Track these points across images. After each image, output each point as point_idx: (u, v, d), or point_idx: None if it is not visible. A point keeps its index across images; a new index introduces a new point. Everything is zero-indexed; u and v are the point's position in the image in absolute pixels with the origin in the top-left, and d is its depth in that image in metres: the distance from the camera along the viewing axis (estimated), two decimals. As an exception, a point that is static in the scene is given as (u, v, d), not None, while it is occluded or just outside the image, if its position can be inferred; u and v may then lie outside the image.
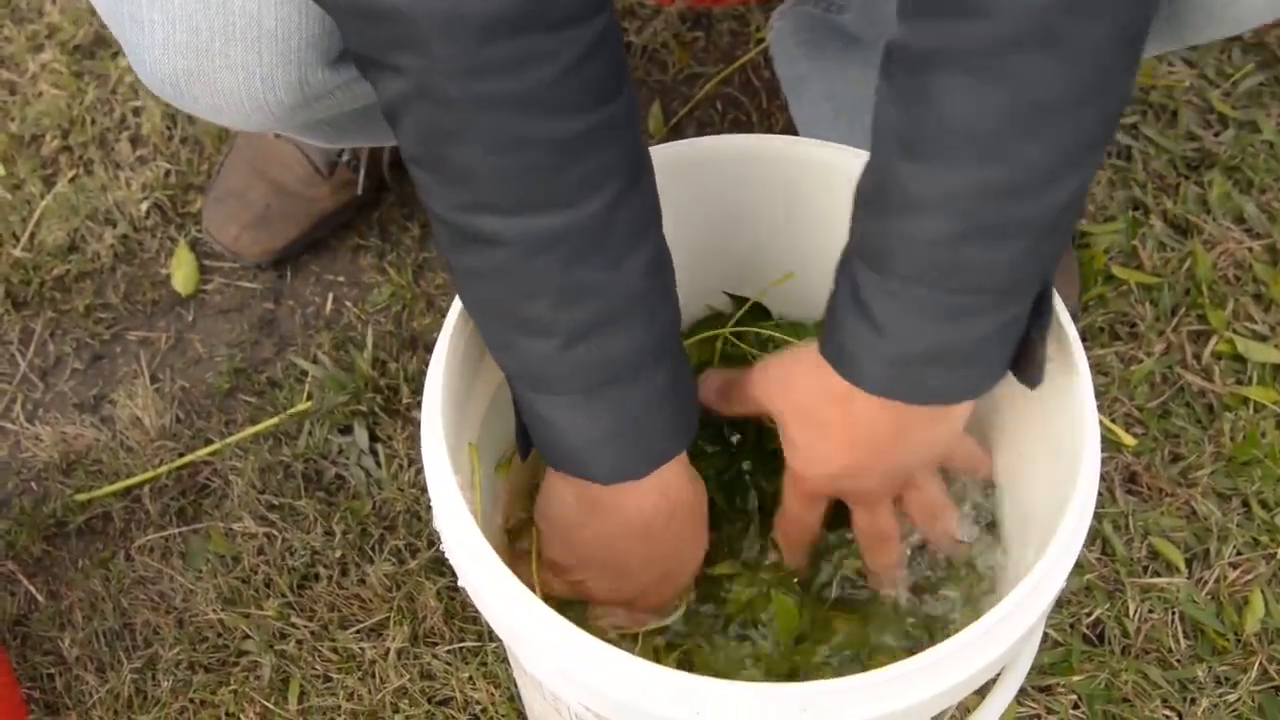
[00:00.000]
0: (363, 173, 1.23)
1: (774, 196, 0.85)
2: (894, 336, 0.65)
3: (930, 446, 0.73)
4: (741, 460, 0.88)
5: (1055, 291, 0.69)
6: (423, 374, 1.15)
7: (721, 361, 0.91)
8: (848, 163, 0.80)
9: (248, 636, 1.04)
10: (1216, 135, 1.28)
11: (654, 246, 0.69)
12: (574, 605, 0.82)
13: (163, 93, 0.77)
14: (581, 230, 0.65)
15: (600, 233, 0.65)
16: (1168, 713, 0.98)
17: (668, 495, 0.74)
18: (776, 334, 0.90)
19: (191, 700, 1.02)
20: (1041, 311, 0.67)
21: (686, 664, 0.82)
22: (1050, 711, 0.98)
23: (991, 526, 0.84)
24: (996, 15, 0.56)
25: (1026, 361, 0.68)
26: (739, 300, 0.93)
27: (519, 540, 0.85)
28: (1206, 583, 1.03)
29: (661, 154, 0.82)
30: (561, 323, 0.66)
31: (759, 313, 0.93)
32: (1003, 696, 0.74)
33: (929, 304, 0.63)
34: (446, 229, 0.67)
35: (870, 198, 0.65)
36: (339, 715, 1.00)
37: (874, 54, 1.19)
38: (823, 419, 0.72)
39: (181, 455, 1.14)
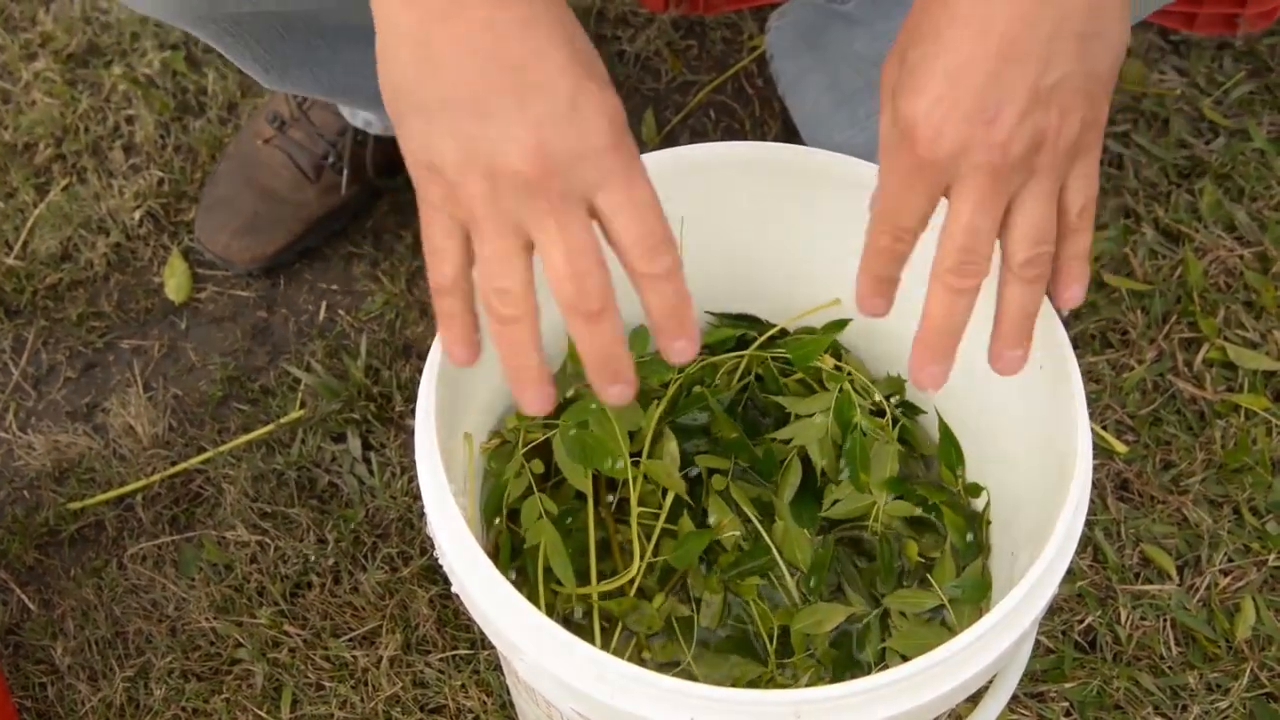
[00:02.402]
0: (346, 174, 1.23)
1: (771, 202, 0.86)
2: None
3: (1077, 61, 0.56)
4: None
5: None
6: (416, 382, 1.15)
7: (741, 391, 0.90)
8: (853, 170, 0.80)
9: (240, 645, 1.04)
10: (1208, 143, 1.28)
11: None
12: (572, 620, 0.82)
13: None
14: None
15: None
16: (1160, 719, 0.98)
17: None
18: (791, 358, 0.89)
19: (184, 709, 1.02)
20: None
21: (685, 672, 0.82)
22: (1043, 718, 0.98)
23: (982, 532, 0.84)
24: None
25: None
26: (738, 319, 0.93)
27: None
28: (1198, 590, 1.04)
29: (656, 160, 0.82)
30: None
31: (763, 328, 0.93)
32: (995, 703, 0.75)
33: None
34: None
35: None
36: (332, 723, 1.00)
37: (876, 30, 1.19)
38: (943, 17, 0.57)
39: (174, 463, 1.14)
